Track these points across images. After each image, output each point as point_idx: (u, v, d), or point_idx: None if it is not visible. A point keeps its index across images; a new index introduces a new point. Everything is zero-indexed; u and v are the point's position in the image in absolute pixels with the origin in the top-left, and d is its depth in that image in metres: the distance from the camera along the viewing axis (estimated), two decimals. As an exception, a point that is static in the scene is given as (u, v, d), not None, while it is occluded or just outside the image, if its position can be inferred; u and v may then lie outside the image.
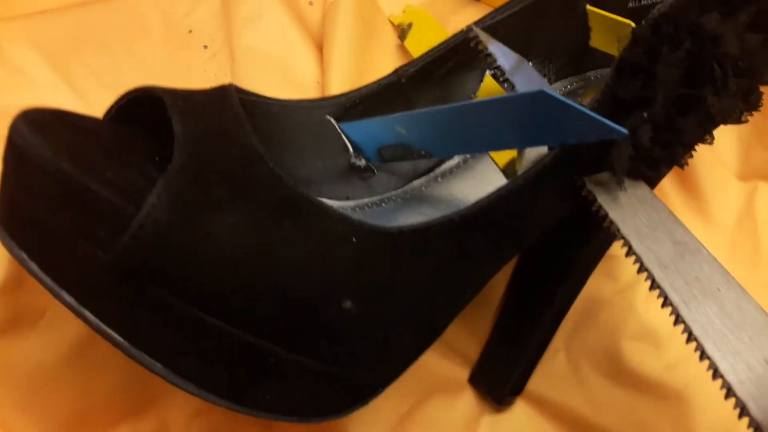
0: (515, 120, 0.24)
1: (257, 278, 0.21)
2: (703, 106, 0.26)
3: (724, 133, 0.38)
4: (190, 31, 0.42)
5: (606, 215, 0.25)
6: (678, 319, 0.23)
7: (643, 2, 0.33)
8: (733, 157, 0.38)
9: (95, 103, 0.38)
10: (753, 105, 0.29)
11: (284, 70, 0.39)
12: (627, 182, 0.26)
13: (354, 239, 0.22)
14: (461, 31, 0.30)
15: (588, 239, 0.31)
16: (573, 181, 0.25)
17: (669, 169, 0.28)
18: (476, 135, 0.26)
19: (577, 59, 0.34)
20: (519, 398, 0.36)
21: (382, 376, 0.26)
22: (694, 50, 0.25)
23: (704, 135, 0.27)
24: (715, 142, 0.38)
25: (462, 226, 0.23)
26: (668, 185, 0.38)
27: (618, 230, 0.25)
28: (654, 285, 0.24)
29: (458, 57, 0.31)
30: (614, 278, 0.36)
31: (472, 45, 0.28)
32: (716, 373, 0.22)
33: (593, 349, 0.35)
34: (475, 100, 0.24)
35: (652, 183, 0.27)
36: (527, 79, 0.28)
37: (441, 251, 0.23)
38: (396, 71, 0.30)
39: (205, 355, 0.22)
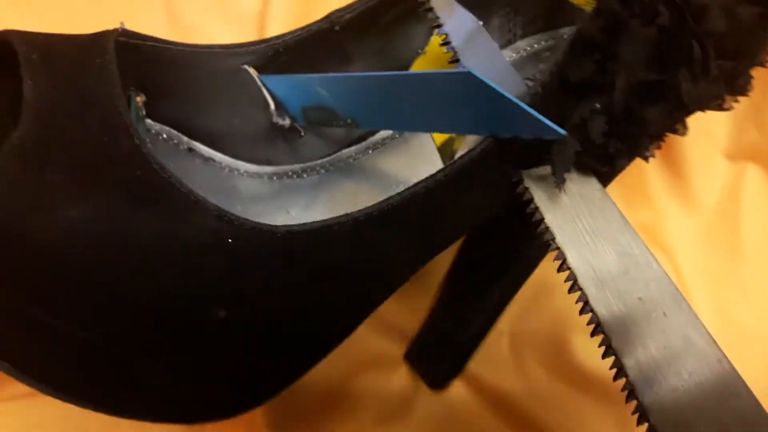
0: (440, 102, 0.20)
1: (103, 279, 0.18)
2: (673, 93, 0.21)
3: (714, 111, 0.34)
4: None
5: (541, 219, 0.21)
6: (608, 352, 0.20)
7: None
8: (723, 134, 0.34)
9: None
10: (740, 90, 0.25)
11: (224, -2, 0.34)
12: (573, 178, 0.22)
13: (230, 240, 0.18)
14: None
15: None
16: (507, 176, 0.21)
17: (629, 161, 0.24)
18: (402, 112, 0.22)
19: (550, 12, 0.29)
20: (458, 379, 0.33)
21: (266, 387, 0.23)
22: (670, 26, 0.21)
23: (674, 125, 0.23)
24: (705, 115, 0.34)
25: (368, 227, 0.20)
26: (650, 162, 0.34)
27: (553, 239, 0.21)
28: (586, 308, 0.20)
29: (405, 4, 0.26)
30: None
31: (421, 10, 0.23)
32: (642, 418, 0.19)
33: (538, 338, 0.32)
34: (396, 72, 0.20)
35: (607, 178, 0.23)
36: (475, 47, 0.23)
37: (341, 255, 0.20)
38: (329, 16, 0.26)
39: (56, 358, 0.19)
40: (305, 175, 0.26)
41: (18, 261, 0.18)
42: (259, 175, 0.26)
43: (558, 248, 0.21)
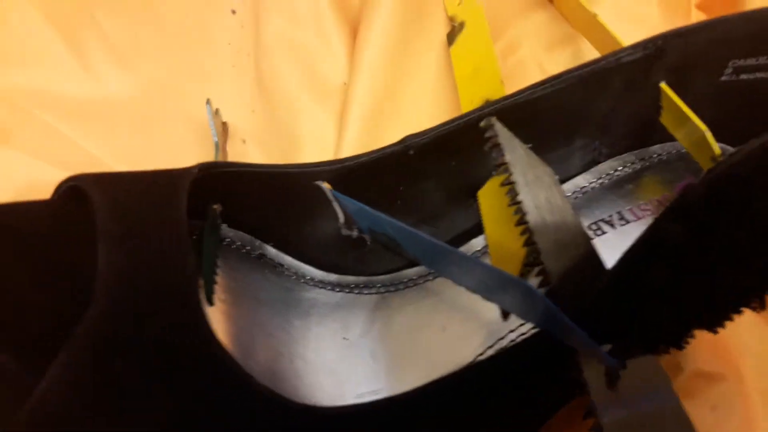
0: (499, 291, 0.20)
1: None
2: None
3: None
4: (221, -12, 0.37)
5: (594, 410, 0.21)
6: None
7: (741, 77, 0.26)
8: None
9: (105, 78, 0.35)
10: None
11: (310, 63, 0.34)
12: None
13: (283, 420, 0.19)
14: (484, 108, 0.24)
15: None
16: (560, 362, 0.21)
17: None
18: (463, 278, 0.22)
19: (641, 130, 0.27)
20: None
21: None
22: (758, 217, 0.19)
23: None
24: None
25: (404, 410, 0.20)
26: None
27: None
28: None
29: (479, 129, 0.25)
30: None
31: (486, 148, 0.23)
32: None
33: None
34: (459, 252, 0.20)
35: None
36: (539, 197, 0.22)
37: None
38: (404, 140, 0.25)
39: None
40: (365, 291, 0.27)
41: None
42: (323, 284, 0.27)
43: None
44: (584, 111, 0.26)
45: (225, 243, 0.26)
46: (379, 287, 0.27)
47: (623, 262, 0.19)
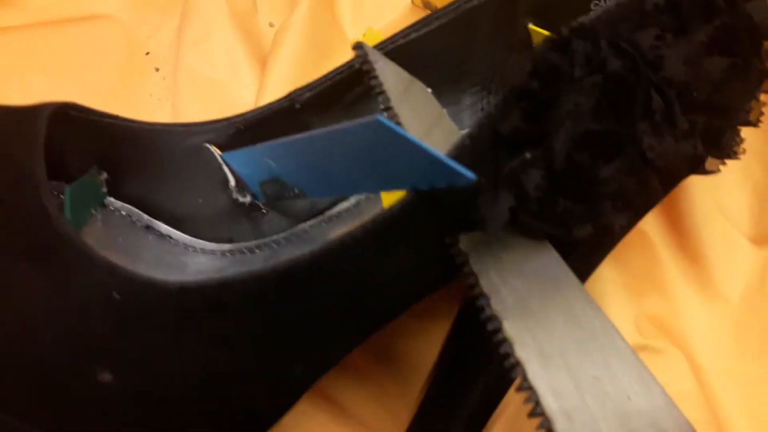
0: (357, 155, 0.19)
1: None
2: (633, 148, 0.19)
3: (734, 186, 0.31)
4: (148, 53, 0.40)
5: (476, 284, 0.19)
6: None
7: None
8: (745, 216, 0.30)
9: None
10: (724, 151, 0.22)
11: (224, 97, 0.36)
12: (524, 244, 0.20)
13: (117, 295, 0.17)
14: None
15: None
16: (438, 238, 0.19)
17: (593, 229, 0.21)
18: (332, 172, 0.21)
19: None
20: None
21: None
22: (622, 73, 0.19)
23: (643, 186, 0.21)
24: (723, 192, 0.31)
25: (276, 286, 0.18)
26: (660, 244, 0.31)
27: (487, 303, 0.18)
28: (524, 385, 0.17)
29: (369, 86, 0.26)
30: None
31: (357, 66, 0.23)
32: None
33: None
34: (316, 131, 0.19)
35: (570, 248, 0.20)
36: (414, 109, 0.22)
37: (244, 316, 0.18)
38: (289, 95, 0.26)
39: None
40: (258, 251, 0.25)
41: None
42: (213, 252, 0.26)
43: (493, 315, 0.18)
44: (463, 62, 0.26)
45: (109, 209, 0.25)
46: (272, 244, 0.26)
47: (488, 114, 0.19)
